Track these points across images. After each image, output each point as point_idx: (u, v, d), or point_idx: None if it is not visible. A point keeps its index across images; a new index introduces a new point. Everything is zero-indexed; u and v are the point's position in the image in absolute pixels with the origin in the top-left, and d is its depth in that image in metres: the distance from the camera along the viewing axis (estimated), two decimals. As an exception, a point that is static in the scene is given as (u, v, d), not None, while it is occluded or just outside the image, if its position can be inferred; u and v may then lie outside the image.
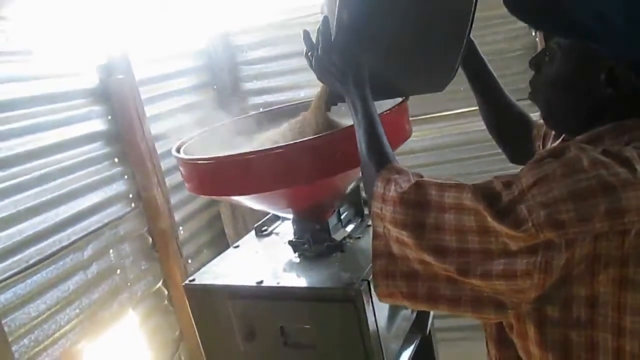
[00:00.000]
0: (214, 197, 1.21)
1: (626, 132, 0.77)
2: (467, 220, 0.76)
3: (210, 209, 2.55)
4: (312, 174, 1.09)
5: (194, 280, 1.33)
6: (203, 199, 2.48)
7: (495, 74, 1.22)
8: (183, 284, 1.33)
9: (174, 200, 2.23)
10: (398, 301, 0.89)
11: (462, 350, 2.71)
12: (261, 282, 1.23)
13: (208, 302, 1.32)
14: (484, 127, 1.29)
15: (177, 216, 2.25)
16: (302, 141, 1.09)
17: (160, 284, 2.14)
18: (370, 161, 0.94)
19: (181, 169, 1.23)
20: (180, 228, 2.28)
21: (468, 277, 0.78)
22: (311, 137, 1.09)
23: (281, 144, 1.08)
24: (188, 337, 2.20)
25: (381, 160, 0.93)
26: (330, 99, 1.17)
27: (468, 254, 0.77)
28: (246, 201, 1.21)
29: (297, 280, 1.23)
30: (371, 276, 0.90)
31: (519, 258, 0.73)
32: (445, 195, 0.80)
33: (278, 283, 1.22)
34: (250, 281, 1.25)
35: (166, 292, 2.16)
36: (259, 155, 1.08)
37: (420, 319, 1.44)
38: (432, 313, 1.41)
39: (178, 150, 1.27)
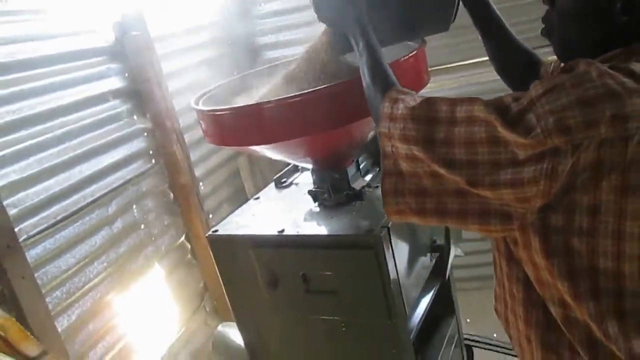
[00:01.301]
0: (233, 147, 1.22)
1: (634, 54, 0.79)
2: (477, 131, 0.79)
3: (230, 165, 2.57)
4: (330, 122, 1.09)
5: (217, 231, 1.36)
6: (222, 155, 2.50)
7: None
8: (206, 234, 1.36)
9: (193, 156, 2.25)
10: (407, 218, 0.92)
11: (480, 299, 2.75)
12: (282, 231, 1.25)
13: (231, 252, 1.35)
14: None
15: (197, 172, 2.28)
16: (320, 89, 1.09)
17: (183, 238, 2.19)
18: (374, 85, 0.97)
19: (201, 121, 1.24)
20: (201, 183, 2.31)
21: (477, 187, 0.81)
22: (329, 85, 1.09)
23: (299, 92, 1.07)
24: (212, 288, 2.26)
25: (386, 83, 0.96)
26: (333, 39, 1.17)
27: (477, 166, 0.80)
28: (266, 151, 1.22)
29: (318, 229, 1.25)
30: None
31: (526, 166, 0.75)
32: (456, 109, 0.82)
33: (299, 232, 1.24)
34: (271, 230, 1.27)
35: (189, 246, 2.22)
36: (277, 104, 1.08)
37: (439, 266, 1.46)
38: (451, 259, 1.43)
39: (197, 103, 1.28)
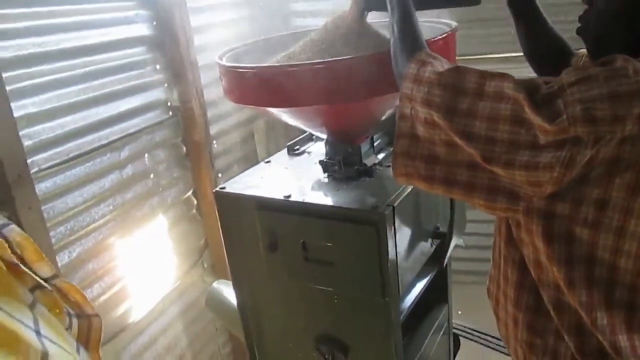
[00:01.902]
0: (251, 106, 1.22)
1: None
2: (503, 108, 0.79)
3: (245, 128, 2.57)
4: (350, 94, 1.09)
5: (224, 188, 1.37)
6: (239, 117, 2.50)
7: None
8: (214, 190, 1.38)
9: (210, 114, 2.25)
10: (414, 181, 0.92)
11: (475, 293, 2.77)
12: (289, 196, 1.26)
13: (236, 210, 1.36)
14: (530, 73, 1.27)
15: (212, 130, 2.28)
16: (343, 59, 1.08)
17: (190, 193, 2.21)
18: (403, 44, 0.95)
19: (222, 77, 1.24)
20: (214, 142, 2.32)
21: (491, 164, 0.81)
22: (353, 57, 1.08)
23: (323, 60, 1.07)
24: (212, 246, 2.29)
25: (416, 44, 0.95)
26: (364, 3, 1.16)
27: (495, 142, 0.80)
28: (283, 114, 1.22)
29: (324, 199, 1.25)
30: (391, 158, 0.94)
31: (545, 151, 0.76)
32: (485, 83, 0.82)
33: (304, 199, 1.25)
34: (278, 194, 1.28)
35: (195, 202, 2.23)
36: (299, 69, 1.08)
37: (439, 253, 1.47)
38: (451, 248, 1.44)
39: (220, 59, 1.28)
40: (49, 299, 0.55)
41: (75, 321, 0.61)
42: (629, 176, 0.74)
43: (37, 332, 0.49)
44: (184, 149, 2.16)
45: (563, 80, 0.76)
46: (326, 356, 1.39)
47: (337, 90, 1.07)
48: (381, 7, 1.03)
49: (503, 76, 0.82)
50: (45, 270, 0.57)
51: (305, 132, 1.57)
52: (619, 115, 0.71)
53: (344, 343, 1.37)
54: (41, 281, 0.54)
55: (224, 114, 2.40)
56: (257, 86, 1.14)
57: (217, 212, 1.41)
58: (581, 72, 0.76)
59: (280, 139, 2.61)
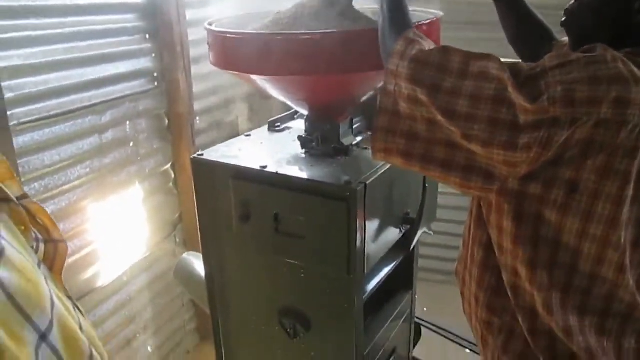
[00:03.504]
0: (235, 73, 1.23)
1: None
2: (487, 88, 0.82)
3: (229, 108, 2.58)
4: (332, 67, 1.11)
5: (202, 155, 1.38)
6: (224, 96, 2.51)
7: None
8: (191, 157, 1.39)
9: (196, 89, 2.26)
10: (392, 157, 0.95)
11: (441, 292, 2.81)
12: (265, 167, 1.28)
13: (211, 178, 1.37)
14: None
15: (197, 106, 2.29)
16: (327, 32, 1.10)
17: (168, 166, 2.21)
18: (392, 22, 0.98)
19: (208, 42, 1.25)
20: (197, 118, 2.32)
21: (470, 142, 0.84)
22: (336, 31, 1.10)
23: (308, 32, 1.09)
24: (186, 221, 2.29)
25: (404, 23, 0.97)
26: None
27: (476, 121, 0.83)
28: (266, 84, 1.24)
29: (299, 172, 1.27)
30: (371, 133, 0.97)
31: (524, 132, 0.79)
32: (470, 63, 0.85)
33: (280, 171, 1.27)
34: (254, 165, 1.30)
35: (173, 175, 2.24)
36: (285, 38, 1.10)
37: (407, 238, 1.49)
38: (419, 234, 1.47)
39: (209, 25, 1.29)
40: (16, 214, 0.55)
41: (42, 246, 0.61)
42: (600, 158, 0.78)
43: None
44: (167, 121, 2.16)
45: (546, 63, 0.80)
46: (288, 330, 1.41)
47: (318, 63, 1.09)
48: None
49: (488, 57, 0.85)
50: (15, 189, 0.58)
51: (287, 110, 1.59)
52: (596, 98, 0.75)
53: (307, 318, 1.39)
54: (11, 195, 0.55)
55: (210, 91, 2.41)
56: (241, 52, 1.15)
57: (192, 180, 1.42)
58: (563, 57, 0.80)
59: (263, 121, 2.61)
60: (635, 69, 0.77)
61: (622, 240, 0.80)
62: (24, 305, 0.48)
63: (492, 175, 0.85)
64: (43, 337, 0.50)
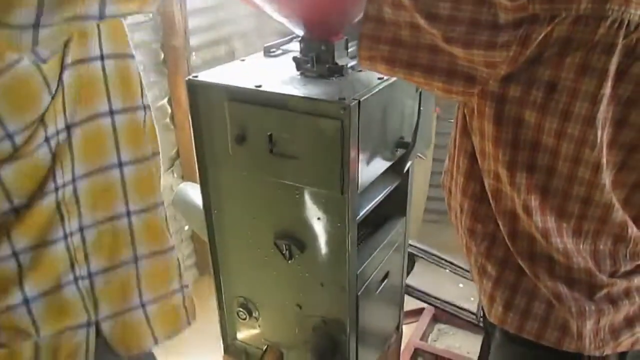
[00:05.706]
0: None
1: None
2: None
3: (225, 45, 2.56)
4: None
5: (197, 77, 1.38)
6: (220, 32, 2.48)
7: None
8: (186, 78, 1.39)
9: (192, 24, 2.23)
10: (377, 65, 0.97)
11: (434, 229, 2.86)
12: (260, 86, 1.28)
13: (206, 100, 1.38)
14: None
15: (193, 41, 2.27)
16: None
17: (165, 100, 2.21)
18: None
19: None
20: (194, 53, 2.30)
21: (451, 44, 0.85)
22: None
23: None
24: (184, 156, 2.31)
25: None
26: None
27: (457, 22, 0.84)
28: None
29: (293, 91, 1.27)
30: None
31: (503, 31, 0.80)
32: None
33: (274, 89, 1.27)
34: (249, 85, 1.30)
35: (169, 110, 2.24)
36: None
37: (400, 163, 1.51)
38: (412, 157, 1.48)
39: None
40: None
41: None
42: (578, 56, 0.78)
43: None
44: (162, 55, 2.15)
45: None
46: (284, 251, 1.44)
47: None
48: None
49: None
50: None
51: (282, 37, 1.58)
52: None
53: (301, 240, 1.42)
54: None
55: (206, 27, 2.38)
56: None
57: (188, 103, 1.43)
58: None
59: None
60: None
61: (599, 140, 0.81)
62: None
63: (474, 78, 0.87)
64: None
